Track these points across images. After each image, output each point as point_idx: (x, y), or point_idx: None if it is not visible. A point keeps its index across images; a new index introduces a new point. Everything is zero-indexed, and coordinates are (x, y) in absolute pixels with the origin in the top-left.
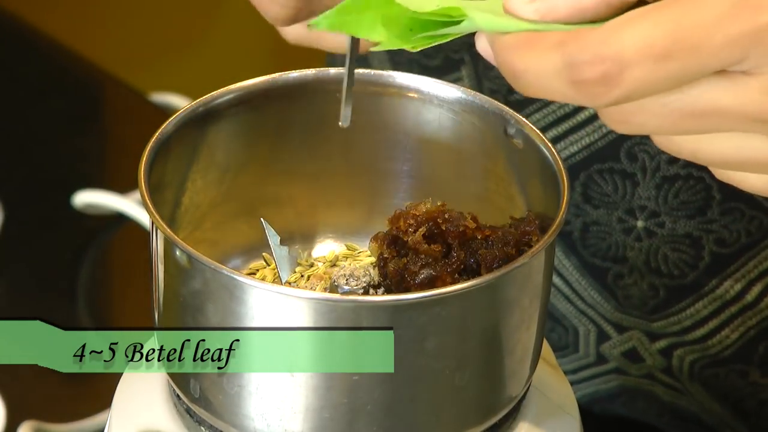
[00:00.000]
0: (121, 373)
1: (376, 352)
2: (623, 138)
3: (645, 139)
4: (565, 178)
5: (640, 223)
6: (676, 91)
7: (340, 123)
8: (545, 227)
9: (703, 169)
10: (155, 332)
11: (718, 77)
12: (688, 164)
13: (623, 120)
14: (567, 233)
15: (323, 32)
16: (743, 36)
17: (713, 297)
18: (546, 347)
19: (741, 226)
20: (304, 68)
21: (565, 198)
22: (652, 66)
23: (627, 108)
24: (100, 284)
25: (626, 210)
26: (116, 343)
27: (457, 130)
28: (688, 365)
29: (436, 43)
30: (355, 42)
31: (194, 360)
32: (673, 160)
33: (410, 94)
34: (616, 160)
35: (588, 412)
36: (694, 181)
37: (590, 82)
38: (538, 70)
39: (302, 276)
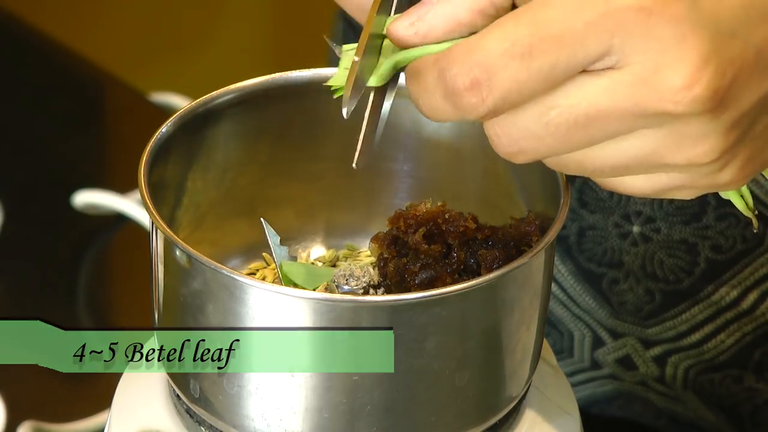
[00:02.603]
0: (121, 373)
1: (376, 352)
2: None
3: None
4: (564, 178)
5: (635, 229)
6: (553, 105)
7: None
8: (545, 227)
9: None
10: (155, 332)
11: (589, 78)
12: None
13: (515, 148)
14: (563, 238)
15: None
16: (602, 19)
17: (709, 303)
18: (546, 347)
19: (737, 233)
20: (304, 68)
21: (566, 198)
22: (518, 65)
23: (514, 134)
24: (100, 284)
25: (622, 215)
26: (116, 343)
27: (457, 130)
28: (683, 372)
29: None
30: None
31: (194, 360)
32: None
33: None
34: None
35: (586, 413)
36: None
37: (462, 92)
38: (423, 91)
39: None
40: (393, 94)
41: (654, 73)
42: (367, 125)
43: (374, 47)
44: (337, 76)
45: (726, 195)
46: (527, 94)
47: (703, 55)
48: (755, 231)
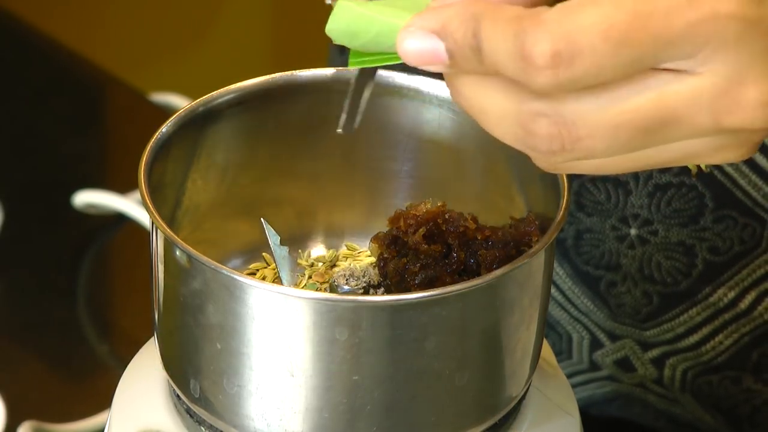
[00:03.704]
0: (121, 373)
1: (376, 352)
2: None
3: None
4: (565, 178)
5: (633, 231)
6: (627, 105)
7: (338, 129)
8: (545, 227)
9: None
10: (155, 332)
11: (668, 80)
12: (681, 172)
13: (572, 146)
14: (560, 241)
15: None
16: (704, 22)
17: (706, 304)
18: (546, 347)
19: (734, 234)
20: (304, 68)
21: (565, 198)
22: (608, 50)
23: (577, 132)
24: (100, 284)
25: (619, 218)
26: (116, 343)
27: (457, 130)
28: (681, 374)
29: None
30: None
31: (194, 360)
32: (665, 168)
33: (410, 94)
34: None
35: (585, 413)
36: (687, 189)
37: (537, 59)
38: (489, 40)
39: (303, 274)
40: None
41: (738, 86)
42: (355, 86)
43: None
44: (334, 16)
45: None
46: (603, 80)
47: None
48: (693, 179)
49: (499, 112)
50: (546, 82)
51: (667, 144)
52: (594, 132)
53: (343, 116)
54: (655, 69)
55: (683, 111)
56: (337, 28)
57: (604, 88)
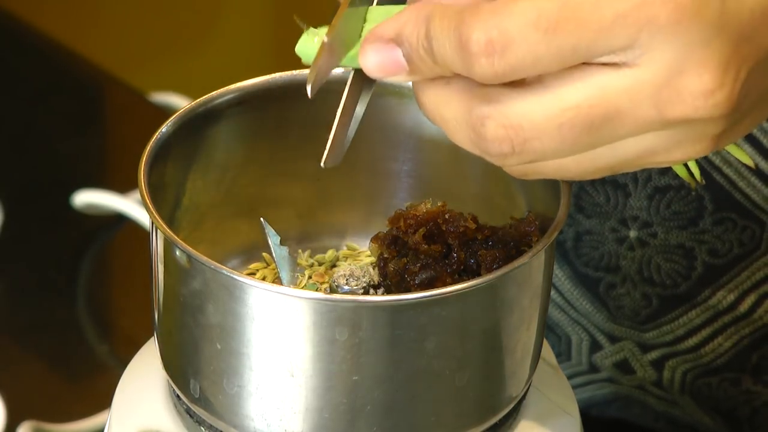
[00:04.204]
0: (121, 373)
1: (376, 353)
2: None
3: None
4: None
5: (632, 233)
6: (569, 102)
7: (322, 164)
8: (545, 227)
9: None
10: (155, 332)
11: (608, 75)
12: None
13: (520, 149)
14: (560, 243)
15: None
16: (634, 11)
17: (706, 306)
18: (546, 347)
19: (733, 237)
20: (304, 68)
21: (565, 198)
22: (539, 38)
23: (523, 134)
24: (100, 284)
25: (619, 220)
26: (116, 343)
27: None
28: (680, 376)
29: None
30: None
31: (194, 360)
32: (664, 171)
33: (410, 94)
34: None
35: (585, 414)
36: (686, 191)
37: (474, 49)
38: (435, 36)
39: (303, 274)
40: (370, 92)
41: (677, 76)
42: (338, 123)
43: (353, 32)
44: (302, 42)
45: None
46: (540, 70)
47: (724, 60)
48: (693, 192)
49: (455, 119)
50: (485, 71)
51: (616, 142)
52: (539, 133)
53: (327, 149)
54: (594, 64)
55: (625, 105)
56: (303, 52)
57: (545, 86)
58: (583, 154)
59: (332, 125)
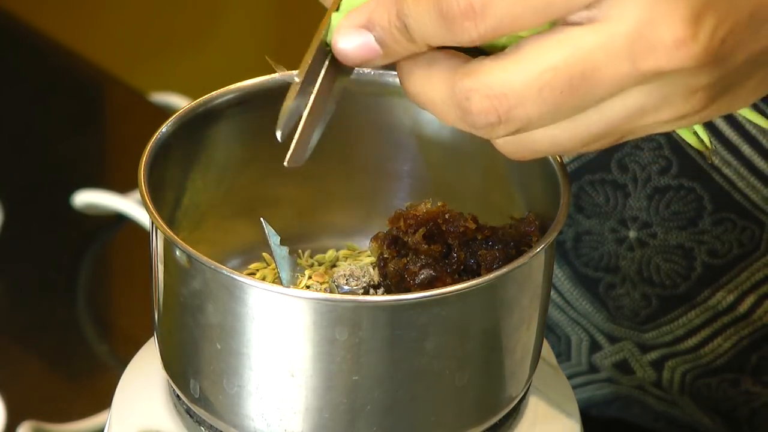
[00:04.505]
0: (121, 373)
1: (376, 352)
2: (614, 149)
3: (636, 150)
4: (565, 178)
5: (632, 234)
6: (548, 64)
7: (285, 163)
8: (545, 227)
9: (695, 179)
10: (155, 332)
11: (583, 32)
12: (679, 175)
13: (506, 116)
14: (559, 243)
15: None
16: None
17: (705, 307)
18: (546, 347)
19: (733, 237)
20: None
21: (565, 198)
22: None
23: (507, 102)
24: (100, 284)
25: (618, 220)
26: (116, 343)
27: (457, 130)
28: (680, 377)
29: None
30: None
31: (194, 360)
32: (664, 171)
33: None
34: (607, 171)
35: (585, 414)
36: (686, 191)
37: (456, 15)
38: (417, 8)
39: (303, 274)
40: (340, 92)
41: (648, 27)
42: (305, 120)
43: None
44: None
45: (681, 133)
46: (518, 27)
47: (695, 11)
48: (710, 162)
49: (440, 98)
50: (469, 34)
51: (601, 102)
52: (522, 98)
53: (291, 148)
54: (569, 25)
55: (601, 60)
56: None
57: (522, 53)
58: (571, 121)
59: (298, 124)
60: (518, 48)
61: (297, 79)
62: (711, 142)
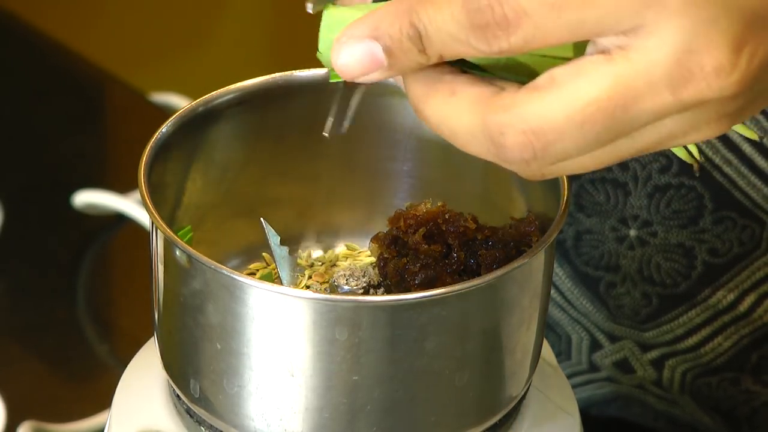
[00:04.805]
0: (121, 373)
1: (376, 352)
2: None
3: None
4: (565, 178)
5: (632, 232)
6: (586, 92)
7: (325, 132)
8: (545, 227)
9: (695, 178)
10: (155, 332)
11: (619, 59)
12: (680, 173)
13: (543, 154)
14: (560, 242)
15: None
16: None
17: (706, 306)
18: (546, 347)
19: (733, 236)
20: (304, 68)
21: (565, 198)
22: (547, 12)
23: (544, 137)
24: (100, 284)
25: (619, 219)
26: (116, 343)
27: None
28: (680, 376)
29: None
30: None
31: (194, 360)
32: (664, 170)
33: None
34: (608, 170)
35: (585, 413)
36: (686, 190)
37: (491, 24)
38: (437, 21)
39: (303, 274)
40: None
41: (689, 56)
42: (343, 91)
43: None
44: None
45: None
46: (549, 42)
47: (737, 38)
48: (696, 175)
49: (467, 130)
50: (500, 46)
51: (637, 130)
52: (561, 134)
53: (330, 119)
54: (606, 54)
55: (641, 90)
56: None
57: (559, 86)
58: (602, 150)
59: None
60: (554, 80)
61: None
62: (699, 153)
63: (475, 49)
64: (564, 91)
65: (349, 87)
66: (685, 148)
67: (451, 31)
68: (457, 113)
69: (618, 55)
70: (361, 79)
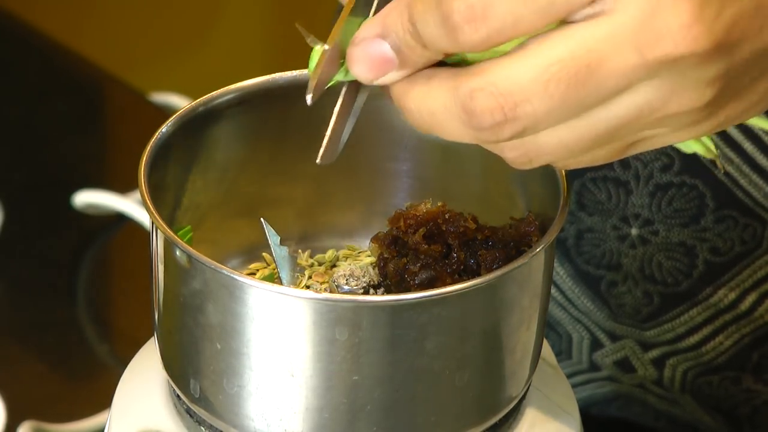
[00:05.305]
0: (121, 373)
1: (376, 352)
2: None
3: None
4: (564, 178)
5: (634, 231)
6: (552, 58)
7: (318, 161)
8: (545, 227)
9: (697, 177)
10: (155, 332)
11: (587, 25)
12: (682, 172)
13: (511, 114)
14: (561, 240)
15: None
16: None
17: (707, 305)
18: (546, 347)
19: (735, 235)
20: (304, 68)
21: (565, 198)
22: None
23: (512, 98)
24: (100, 284)
25: (620, 217)
26: (116, 343)
27: None
28: (681, 375)
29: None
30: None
31: (194, 360)
32: (666, 168)
33: None
34: (610, 168)
35: (585, 413)
36: (688, 188)
37: (457, 20)
38: (418, 17)
39: (303, 274)
40: (366, 92)
41: (652, 16)
42: (335, 120)
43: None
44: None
45: (687, 145)
46: (521, 29)
47: None
48: (722, 172)
49: (443, 106)
50: (471, 38)
51: (607, 98)
52: (528, 93)
53: (324, 145)
54: (573, 22)
55: (607, 52)
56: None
57: (527, 50)
58: (578, 119)
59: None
60: (522, 46)
61: (327, 47)
62: (715, 146)
63: (452, 45)
64: (530, 53)
65: (343, 111)
66: (701, 142)
67: (433, 29)
68: (433, 93)
69: (585, 22)
70: (378, 82)
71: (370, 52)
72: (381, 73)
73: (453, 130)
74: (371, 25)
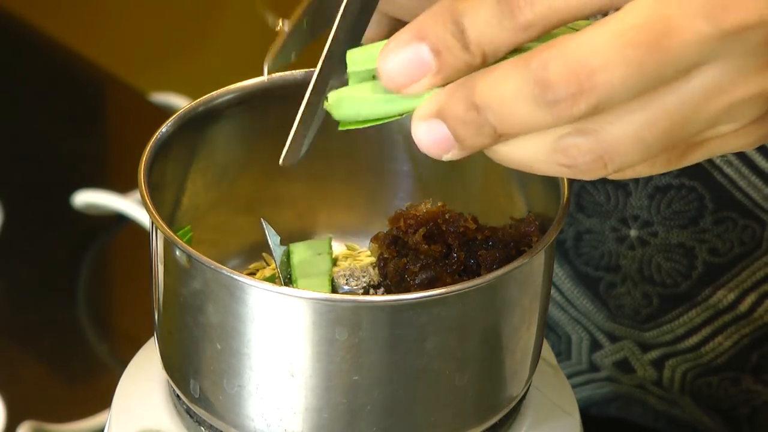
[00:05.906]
0: (121, 373)
1: (376, 352)
2: None
3: None
4: (565, 178)
5: (633, 232)
6: (627, 22)
7: (280, 162)
8: (545, 227)
9: (696, 178)
10: (155, 332)
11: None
12: (681, 174)
13: (589, 85)
14: (560, 242)
15: None
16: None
17: (706, 306)
18: (546, 347)
19: (734, 236)
20: (304, 68)
21: (565, 198)
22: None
23: (587, 65)
24: (100, 284)
25: (619, 219)
26: (116, 343)
27: None
28: (680, 376)
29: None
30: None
31: (194, 360)
32: None
33: None
34: None
35: (585, 413)
36: (687, 190)
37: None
38: (472, 10)
39: None
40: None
41: None
42: (298, 122)
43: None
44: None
45: None
46: (577, 5)
47: None
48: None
49: (514, 89)
50: (526, 17)
51: (681, 73)
52: (605, 60)
53: (286, 148)
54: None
55: (680, 20)
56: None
57: (596, 23)
58: (651, 103)
59: (293, 122)
60: (593, 23)
61: (286, 29)
62: None
63: (504, 28)
64: (602, 24)
65: (307, 113)
66: None
67: (483, 17)
68: (502, 78)
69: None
70: (409, 90)
71: (404, 56)
72: (415, 78)
73: (525, 116)
74: (404, 31)
